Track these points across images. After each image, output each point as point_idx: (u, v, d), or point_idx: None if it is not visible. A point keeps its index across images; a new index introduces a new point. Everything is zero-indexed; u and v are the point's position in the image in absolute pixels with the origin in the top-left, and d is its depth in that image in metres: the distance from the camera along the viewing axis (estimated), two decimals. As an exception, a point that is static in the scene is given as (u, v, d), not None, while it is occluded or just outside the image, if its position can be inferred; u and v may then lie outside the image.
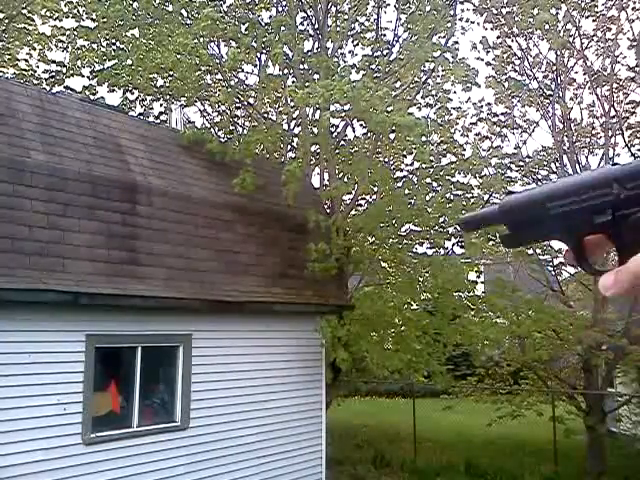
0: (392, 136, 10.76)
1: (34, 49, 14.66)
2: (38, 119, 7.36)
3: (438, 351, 10.68)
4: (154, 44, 10.49)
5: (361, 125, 11.75)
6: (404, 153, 12.64)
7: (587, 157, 13.67)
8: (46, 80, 13.92)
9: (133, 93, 13.19)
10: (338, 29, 11.77)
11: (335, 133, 11.67)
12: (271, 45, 9.89)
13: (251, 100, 12.75)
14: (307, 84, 10.07)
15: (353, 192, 11.38)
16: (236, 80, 11.78)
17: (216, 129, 13.61)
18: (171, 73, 10.92)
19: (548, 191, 0.82)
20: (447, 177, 11.15)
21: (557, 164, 13.59)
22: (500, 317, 11.98)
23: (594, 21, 13.17)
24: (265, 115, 13.28)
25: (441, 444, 14.50)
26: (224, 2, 12.09)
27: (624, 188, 0.74)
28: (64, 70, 13.72)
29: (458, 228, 10.88)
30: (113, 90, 12.72)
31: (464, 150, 12.59)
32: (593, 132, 13.67)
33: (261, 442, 8.68)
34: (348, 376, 13.16)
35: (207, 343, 8.23)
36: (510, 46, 13.66)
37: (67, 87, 13.36)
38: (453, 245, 11.10)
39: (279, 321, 9.26)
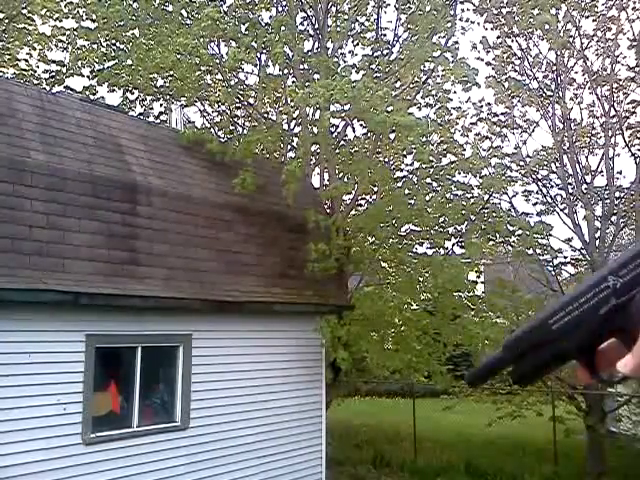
0: (392, 136, 10.76)
1: (34, 49, 14.66)
2: (38, 119, 7.36)
3: (438, 351, 10.67)
4: (154, 44, 10.49)
5: (361, 125, 11.74)
6: (404, 153, 12.62)
7: (587, 157, 13.67)
8: (46, 80, 13.91)
9: (133, 93, 13.19)
10: (338, 29, 11.77)
11: (335, 133, 11.66)
12: (271, 45, 9.88)
13: (251, 100, 12.75)
14: (307, 84, 10.07)
15: (353, 192, 11.38)
16: (236, 80, 11.78)
17: (216, 129, 13.61)
18: (171, 73, 10.92)
19: (548, 311, 0.82)
20: (447, 177, 11.14)
21: (557, 164, 13.58)
22: (500, 317, 11.98)
23: (594, 21, 13.16)
24: (265, 115, 13.27)
25: (441, 444, 14.49)
26: (224, 2, 12.09)
27: (619, 277, 0.76)
28: (64, 70, 13.71)
29: (457, 228, 10.89)
30: (113, 90, 12.72)
31: (464, 150, 12.58)
32: (593, 132, 13.67)
33: (261, 442, 8.68)
34: (348, 376, 13.16)
35: (207, 343, 8.23)
36: (510, 46, 13.66)
37: (67, 87, 13.36)
38: (453, 245, 11.09)
39: (279, 321, 9.26)
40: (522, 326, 0.85)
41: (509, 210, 12.76)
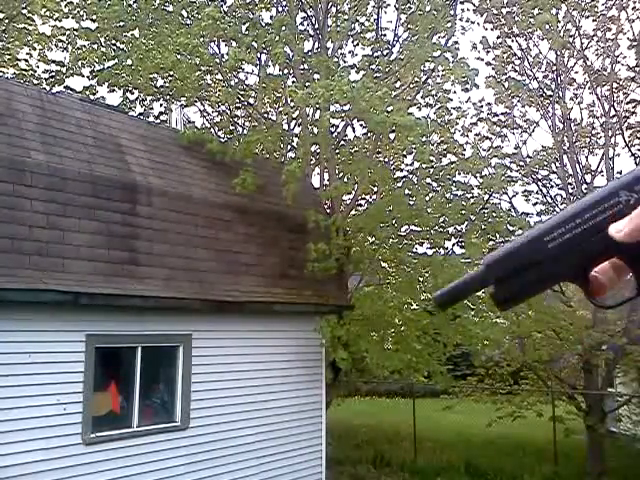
0: (392, 136, 10.75)
1: (34, 49, 14.66)
2: (38, 119, 7.36)
3: (438, 351, 10.67)
4: (154, 44, 10.49)
5: (361, 125, 11.74)
6: (404, 153, 12.62)
7: (587, 157, 13.68)
8: (46, 80, 13.91)
9: (133, 93, 13.18)
10: (338, 29, 11.76)
11: (335, 133, 11.66)
12: (271, 45, 9.88)
13: (251, 100, 12.75)
14: (307, 84, 10.07)
15: (353, 192, 11.38)
16: (236, 80, 11.78)
17: (216, 129, 13.60)
18: (171, 73, 10.92)
19: (543, 227, 0.72)
20: (447, 177, 11.14)
21: (557, 164, 13.59)
22: (500, 317, 11.97)
23: (594, 21, 13.17)
24: (265, 115, 13.27)
25: (441, 444, 14.50)
26: (224, 2, 12.09)
27: (633, 192, 0.67)
28: (64, 70, 13.71)
29: (457, 228, 10.89)
30: (113, 90, 12.72)
31: (464, 150, 12.58)
32: (593, 132, 13.67)
33: (261, 442, 8.68)
34: (348, 376, 13.17)
35: (207, 343, 8.23)
36: (510, 46, 13.67)
37: (67, 87, 13.35)
38: (453, 245, 11.09)
39: (279, 321, 9.26)
40: (509, 243, 0.74)
41: (509, 210, 12.76)
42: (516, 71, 13.84)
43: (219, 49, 11.70)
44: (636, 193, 0.67)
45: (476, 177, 11.49)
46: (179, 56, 9.65)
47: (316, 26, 11.58)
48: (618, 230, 0.68)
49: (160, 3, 11.68)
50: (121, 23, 11.63)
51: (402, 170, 12.85)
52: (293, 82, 11.12)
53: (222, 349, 8.47)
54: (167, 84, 12.12)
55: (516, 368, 14.03)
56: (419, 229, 10.99)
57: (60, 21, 14.01)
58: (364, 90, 8.38)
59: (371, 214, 10.54)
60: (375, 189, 11.88)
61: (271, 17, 11.89)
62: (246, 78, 12.83)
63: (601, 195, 0.69)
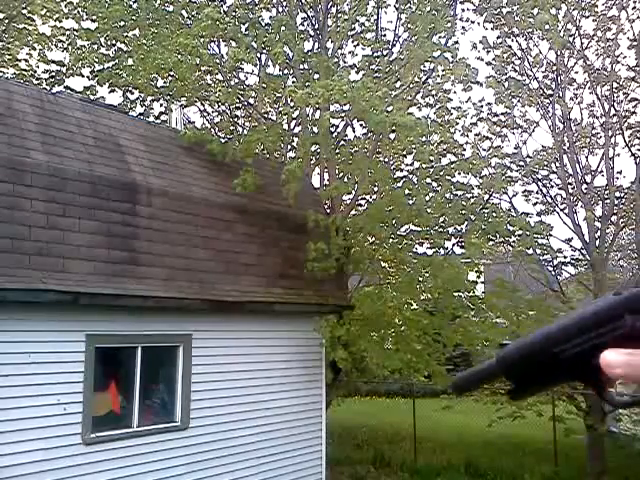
0: (392, 136, 10.76)
1: (34, 49, 14.66)
2: (38, 119, 7.36)
3: (438, 351, 10.67)
4: (154, 44, 10.50)
5: (361, 125, 11.75)
6: (404, 153, 12.63)
7: (587, 157, 13.67)
8: (46, 80, 13.92)
9: (133, 93, 13.19)
10: (338, 29, 11.77)
11: (335, 133, 11.66)
12: (271, 45, 9.89)
13: (251, 100, 12.75)
14: (307, 84, 10.06)
15: (353, 192, 11.38)
16: (236, 80, 11.78)
17: (216, 129, 13.60)
18: (171, 73, 10.92)
19: (552, 335, 0.76)
20: (447, 177, 11.15)
21: (557, 164, 13.58)
22: (500, 317, 11.97)
23: (594, 21, 13.16)
24: (265, 115, 13.27)
25: (441, 444, 14.49)
26: (224, 2, 12.10)
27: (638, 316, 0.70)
28: (64, 70, 13.72)
29: (457, 228, 10.89)
30: (113, 90, 12.73)
31: (464, 150, 12.59)
32: (593, 132, 13.66)
33: (261, 442, 8.68)
34: (348, 376, 13.16)
35: (207, 343, 8.23)
36: (510, 46, 13.65)
37: (67, 87, 13.36)
38: (453, 245, 11.10)
39: (279, 321, 9.26)
40: (521, 342, 0.80)
41: (509, 210, 12.76)
42: (516, 71, 13.83)
43: (219, 49, 11.71)
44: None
45: (476, 177, 11.49)
46: (179, 56, 9.65)
47: (316, 26, 11.59)
48: (611, 366, 0.69)
49: (160, 3, 11.69)
50: (121, 23, 11.64)
51: (402, 170, 12.85)
52: (293, 82, 11.11)
53: (222, 349, 8.48)
54: (167, 84, 12.12)
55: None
56: (419, 229, 10.99)
57: (60, 21, 14.02)
58: (364, 90, 8.38)
59: (371, 214, 10.54)
60: (375, 189, 11.88)
61: (271, 17, 11.89)
62: (246, 78, 12.83)
63: (608, 314, 0.73)
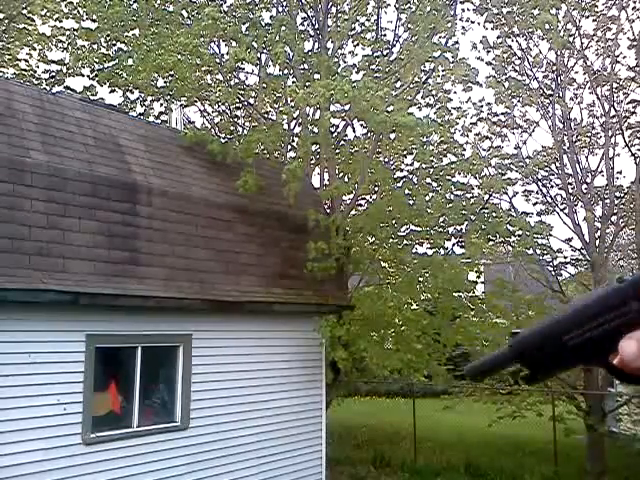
0: (392, 136, 10.76)
1: (34, 49, 14.65)
2: (38, 119, 7.35)
3: (438, 351, 10.67)
4: (154, 44, 10.49)
5: (361, 125, 11.75)
6: (404, 153, 12.64)
7: (587, 157, 13.67)
8: (46, 80, 13.92)
9: (133, 93, 13.19)
10: (338, 29, 11.77)
11: (335, 133, 11.66)
12: (271, 45, 9.89)
13: (251, 100, 12.75)
14: (307, 84, 10.07)
15: (353, 192, 11.38)
16: (236, 80, 11.78)
17: (216, 129, 13.60)
18: (171, 73, 10.92)
19: (562, 324, 0.80)
20: (447, 177, 11.15)
21: (557, 164, 13.58)
22: (500, 317, 11.98)
23: (594, 21, 13.16)
24: (265, 115, 13.27)
25: (441, 444, 14.49)
26: (224, 2, 12.10)
27: None
28: (64, 70, 13.72)
29: (458, 229, 10.89)
30: (113, 90, 12.72)
31: (464, 150, 12.59)
32: (593, 132, 13.66)
33: (261, 442, 8.68)
34: (348, 376, 13.16)
35: (207, 343, 8.23)
36: (510, 46, 13.65)
37: (67, 87, 13.36)
38: (453, 245, 11.11)
39: (279, 321, 9.26)
40: (534, 329, 0.84)
41: (509, 210, 12.76)
42: (516, 71, 13.83)
43: (219, 49, 11.71)
44: None
45: (476, 177, 11.49)
46: (179, 56, 9.65)
47: (316, 26, 11.59)
48: (631, 358, 0.73)
49: (160, 3, 11.69)
50: (121, 23, 11.63)
51: (402, 170, 12.86)
52: (293, 82, 11.12)
53: (222, 349, 8.47)
54: (167, 84, 12.13)
55: (516, 368, 14.00)
56: (419, 229, 11.00)
57: (60, 21, 14.01)
58: (364, 90, 8.38)
59: (371, 214, 10.55)
60: (375, 189, 11.88)
61: (271, 17, 11.89)
62: (246, 78, 12.84)
63: (614, 302, 0.75)
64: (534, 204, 13.74)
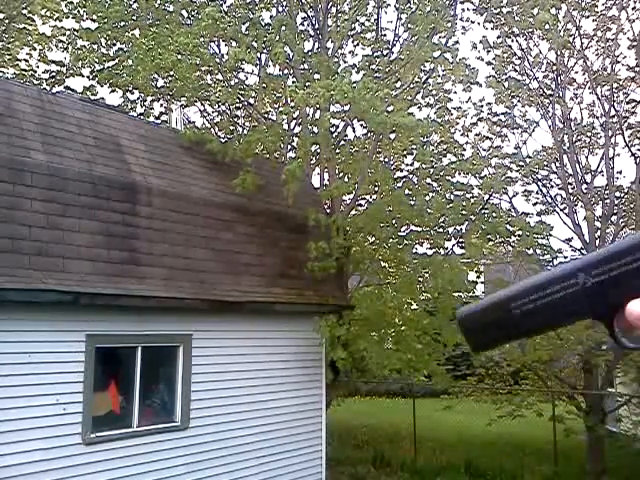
0: (392, 136, 10.76)
1: (34, 49, 14.66)
2: (38, 119, 7.35)
3: (438, 351, 10.67)
4: (154, 44, 10.49)
5: (361, 125, 11.75)
6: (404, 153, 12.64)
7: (587, 157, 13.67)
8: (46, 80, 13.92)
9: (133, 93, 13.19)
10: (338, 29, 11.77)
11: (335, 133, 11.66)
12: (271, 45, 9.88)
13: (251, 100, 12.74)
14: (307, 84, 10.07)
15: (353, 192, 11.38)
16: (236, 80, 11.78)
17: (216, 129, 13.60)
18: (171, 73, 10.92)
19: (509, 293, 0.83)
20: (447, 177, 11.15)
21: (557, 164, 13.58)
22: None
23: (594, 21, 13.17)
24: (265, 115, 13.27)
25: (441, 444, 14.49)
26: (224, 2, 12.09)
27: (590, 276, 0.77)
28: (64, 70, 13.72)
29: (458, 229, 10.89)
30: (113, 90, 12.72)
31: (464, 150, 12.59)
32: (593, 132, 13.66)
33: (261, 442, 8.68)
34: (348, 376, 13.17)
35: (207, 343, 8.23)
36: (510, 46, 13.66)
37: (67, 87, 13.36)
38: (453, 245, 11.10)
39: (279, 321, 9.26)
40: (479, 302, 0.87)
41: (509, 210, 12.76)
42: (516, 71, 13.83)
43: (219, 49, 11.71)
44: (593, 277, 0.77)
45: (476, 177, 11.49)
46: (179, 56, 9.64)
47: (316, 26, 11.58)
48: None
49: (160, 3, 11.68)
50: (121, 23, 11.63)
51: (402, 170, 12.86)
52: (293, 82, 11.11)
53: (222, 349, 8.47)
54: (167, 84, 12.13)
55: (516, 368, 14.02)
56: (419, 229, 11.00)
57: (60, 21, 14.02)
58: (364, 90, 8.38)
59: (371, 214, 10.54)
60: (375, 189, 11.88)
61: (271, 17, 11.89)
62: (246, 78, 12.82)
63: (562, 273, 0.80)
64: (534, 204, 13.75)
